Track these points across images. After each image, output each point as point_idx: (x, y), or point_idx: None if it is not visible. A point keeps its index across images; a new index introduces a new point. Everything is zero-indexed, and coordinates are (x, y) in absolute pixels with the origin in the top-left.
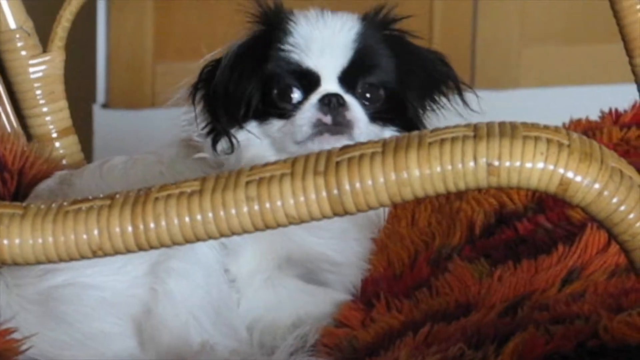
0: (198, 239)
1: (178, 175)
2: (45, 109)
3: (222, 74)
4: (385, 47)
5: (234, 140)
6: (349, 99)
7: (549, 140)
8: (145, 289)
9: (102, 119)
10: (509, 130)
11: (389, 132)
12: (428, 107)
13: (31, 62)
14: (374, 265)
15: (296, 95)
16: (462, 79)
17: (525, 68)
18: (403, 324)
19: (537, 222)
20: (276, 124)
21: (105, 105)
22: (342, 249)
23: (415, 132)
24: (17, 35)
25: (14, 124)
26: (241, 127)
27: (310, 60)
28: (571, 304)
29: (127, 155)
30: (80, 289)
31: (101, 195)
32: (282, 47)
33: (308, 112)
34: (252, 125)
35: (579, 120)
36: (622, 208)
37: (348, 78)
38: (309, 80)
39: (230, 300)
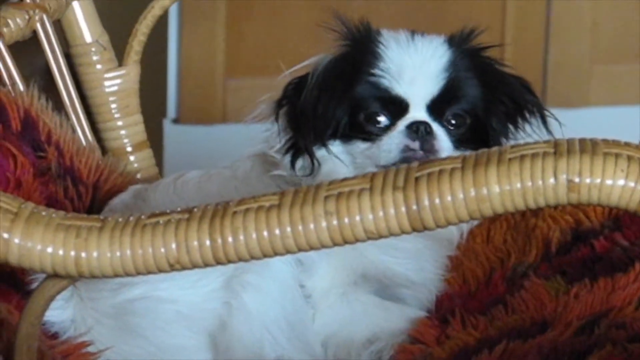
0: (276, 254)
1: (253, 190)
2: (120, 123)
3: (310, 94)
4: (473, 75)
5: (315, 161)
6: (436, 127)
7: (629, 157)
8: (220, 303)
9: (173, 134)
10: (589, 147)
11: None
12: (511, 134)
13: (106, 75)
14: (449, 282)
15: (383, 120)
16: (545, 107)
17: (596, 86)
18: (478, 341)
19: (614, 240)
20: (360, 146)
21: (176, 121)
22: (417, 268)
23: (495, 148)
24: (93, 49)
25: (89, 137)
26: (324, 146)
27: (401, 88)
28: None
29: (201, 170)
30: (156, 303)
31: (179, 209)
32: (373, 71)
33: (396, 139)
34: (335, 145)
35: None
36: None
37: (436, 107)
38: (397, 107)
39: (305, 315)
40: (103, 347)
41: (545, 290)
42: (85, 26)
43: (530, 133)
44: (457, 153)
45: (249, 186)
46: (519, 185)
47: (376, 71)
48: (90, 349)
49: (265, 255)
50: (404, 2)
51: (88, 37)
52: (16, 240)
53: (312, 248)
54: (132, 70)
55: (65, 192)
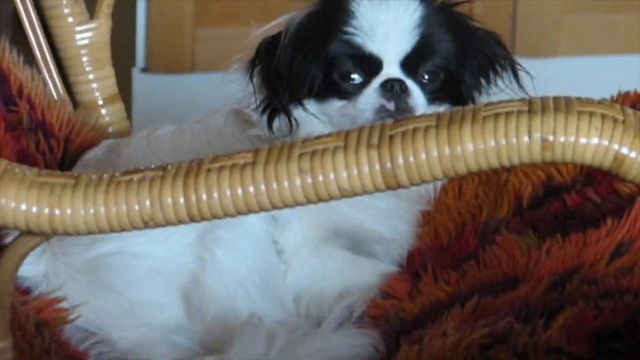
0: (250, 211)
1: (226, 145)
2: (91, 76)
3: (283, 53)
4: (445, 31)
5: (293, 120)
6: (410, 84)
7: (603, 116)
8: (193, 258)
9: (142, 82)
10: (563, 105)
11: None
12: (483, 88)
13: (78, 28)
14: (420, 236)
15: (357, 77)
16: (517, 61)
17: (566, 36)
18: (450, 296)
19: (586, 195)
20: (336, 104)
21: (145, 69)
22: (389, 225)
23: (470, 106)
24: (64, 2)
25: (61, 91)
26: (300, 105)
27: (374, 45)
28: (620, 278)
29: (173, 124)
30: (128, 258)
31: (153, 166)
32: (345, 29)
33: (371, 98)
34: (311, 104)
35: (627, 93)
36: None
37: (410, 63)
38: (371, 65)
39: (278, 271)
40: (76, 303)
41: (517, 245)
42: None
43: (502, 87)
44: (431, 109)
45: (222, 141)
46: (493, 143)
47: (349, 29)
48: (63, 304)
49: (239, 213)
50: None
51: None
52: None
53: (286, 206)
54: (103, 24)
55: (37, 145)
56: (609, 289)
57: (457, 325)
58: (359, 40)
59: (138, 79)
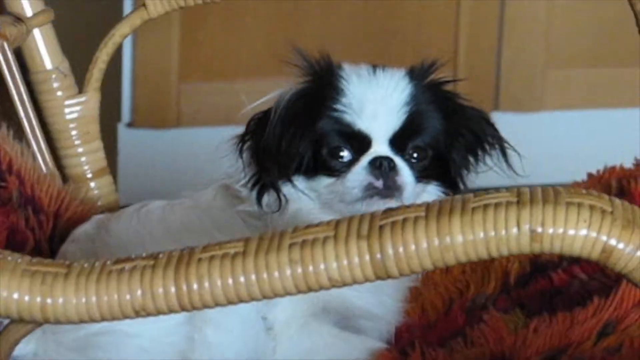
0: (241, 301)
1: (216, 222)
2: (80, 150)
3: (273, 130)
4: (434, 109)
5: (282, 197)
6: (398, 161)
7: (591, 207)
8: (182, 337)
9: (127, 137)
10: (552, 197)
11: (432, 188)
12: (472, 166)
13: (67, 102)
14: (408, 312)
15: (346, 155)
16: (505, 139)
17: (550, 90)
18: None
19: (572, 273)
20: (325, 181)
21: (130, 124)
22: (377, 302)
23: (459, 197)
24: (53, 76)
25: (50, 165)
26: (289, 182)
27: (363, 123)
28: (607, 358)
29: (164, 200)
30: (118, 337)
31: (144, 255)
32: (335, 106)
33: (359, 175)
34: (300, 180)
35: (613, 168)
36: None
37: (398, 141)
38: (360, 142)
39: (267, 349)
40: None
41: (505, 324)
42: (45, 53)
43: (490, 165)
44: (419, 186)
45: (212, 217)
46: (482, 235)
47: (338, 106)
48: None
49: (229, 303)
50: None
51: (49, 64)
52: None
53: (276, 295)
54: (92, 97)
55: (27, 221)
56: None
57: None
58: (348, 117)
59: (123, 133)
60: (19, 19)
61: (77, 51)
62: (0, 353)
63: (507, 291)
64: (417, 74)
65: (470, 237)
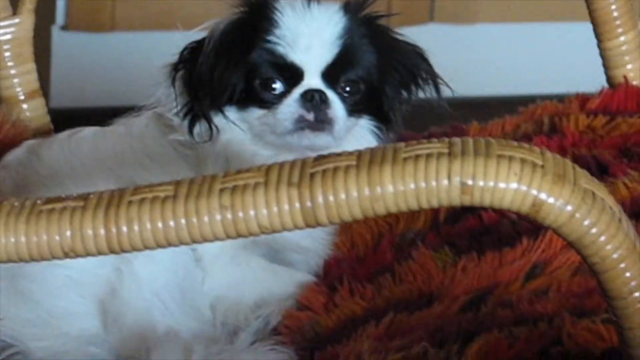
0: (170, 245)
1: (148, 150)
2: (13, 71)
3: (206, 59)
4: (368, 43)
5: (213, 127)
6: (330, 95)
7: (522, 161)
8: (111, 268)
9: (61, 41)
10: (483, 149)
11: (364, 122)
12: (404, 100)
13: (0, 24)
14: (337, 245)
15: (278, 86)
16: (439, 74)
17: (485, 3)
18: (365, 311)
19: (503, 213)
20: (256, 113)
21: (64, 27)
22: (307, 234)
23: (390, 146)
24: None
25: None
26: (221, 112)
27: (296, 55)
28: (535, 302)
29: (96, 127)
30: (47, 267)
31: (75, 195)
32: (268, 38)
33: (291, 107)
34: (232, 111)
35: (545, 104)
36: (594, 231)
37: (331, 74)
38: (292, 74)
39: (195, 280)
40: None
41: (433, 262)
42: None
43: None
44: (351, 120)
45: (144, 145)
46: (412, 185)
47: (272, 38)
48: None
49: (159, 246)
50: None
51: None
52: None
53: (205, 240)
54: (26, 19)
55: None
56: (523, 313)
57: (371, 346)
58: (281, 49)
59: (57, 36)
60: None
61: None
62: None
63: (436, 228)
64: (352, 8)
65: (401, 188)
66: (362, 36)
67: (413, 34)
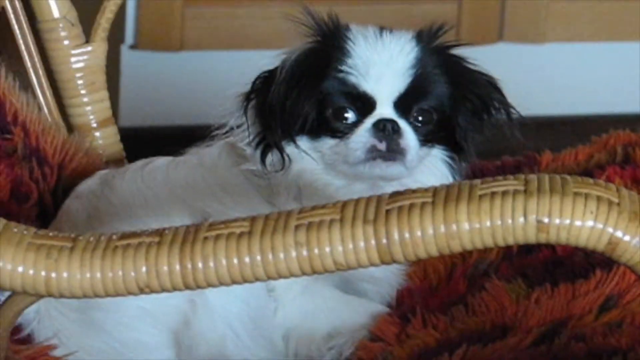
0: (245, 281)
1: (220, 180)
2: (85, 99)
3: (278, 89)
4: (441, 72)
5: (285, 156)
6: (402, 124)
7: (599, 198)
8: (184, 299)
9: (130, 59)
10: (559, 186)
11: (436, 152)
12: (477, 130)
13: (73, 52)
14: (410, 275)
15: (351, 116)
16: (512, 105)
17: (554, 22)
18: (438, 342)
19: None
20: (328, 142)
21: (133, 47)
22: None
23: (466, 183)
24: (61, 25)
25: (55, 115)
26: (293, 142)
27: (368, 85)
28: (608, 335)
29: (168, 157)
30: (120, 298)
31: (150, 230)
32: (340, 67)
33: (363, 137)
34: (304, 141)
35: (618, 133)
36: None
37: (403, 103)
38: (364, 104)
39: (268, 310)
40: (66, 340)
41: (506, 293)
42: (53, 2)
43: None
44: (423, 150)
45: (216, 175)
46: (488, 223)
47: (344, 67)
48: (55, 352)
49: (233, 282)
50: None
51: (56, 13)
52: None
53: (280, 276)
54: (99, 47)
55: (31, 173)
56: (597, 347)
57: None
58: (353, 79)
59: (126, 55)
60: None
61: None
62: (4, 322)
63: (509, 259)
64: (424, 37)
65: (477, 226)
66: (435, 66)
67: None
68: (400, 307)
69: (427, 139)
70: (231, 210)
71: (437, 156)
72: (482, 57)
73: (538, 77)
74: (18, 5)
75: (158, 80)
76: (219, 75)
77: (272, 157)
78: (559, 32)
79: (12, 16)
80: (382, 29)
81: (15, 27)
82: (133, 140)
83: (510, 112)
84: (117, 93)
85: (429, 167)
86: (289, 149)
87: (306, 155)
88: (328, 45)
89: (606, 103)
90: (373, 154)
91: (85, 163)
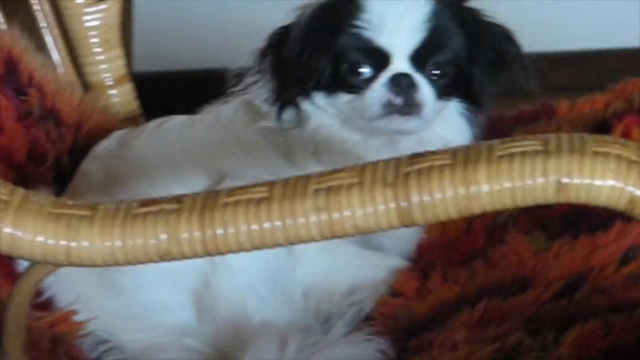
0: (265, 247)
1: (237, 138)
2: (100, 57)
3: (293, 45)
4: (455, 25)
5: (302, 113)
6: (418, 78)
7: (618, 157)
8: (204, 260)
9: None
10: (578, 146)
11: (453, 105)
12: (493, 84)
13: (87, 10)
14: (428, 229)
15: (366, 71)
16: (527, 56)
17: None
18: (459, 297)
19: None
20: (344, 98)
21: None
22: None
23: (485, 144)
24: None
25: (71, 75)
26: (309, 98)
27: (383, 39)
28: (629, 287)
29: (184, 116)
30: None
31: (169, 197)
32: (355, 22)
33: (379, 92)
34: (320, 97)
35: (634, 81)
36: None
37: (419, 57)
38: (380, 58)
39: (288, 268)
40: (87, 303)
41: (526, 246)
42: None
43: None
44: (440, 103)
45: (233, 133)
46: (508, 184)
47: (358, 22)
48: (76, 317)
49: (254, 248)
50: None
51: None
52: (7, 230)
53: (301, 241)
54: (113, 5)
55: (47, 135)
56: (618, 300)
57: (466, 336)
58: (367, 34)
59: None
60: None
61: None
62: (25, 290)
63: (528, 211)
64: None
65: (497, 187)
66: (450, 19)
67: None
68: (419, 261)
69: (443, 92)
70: (249, 168)
71: (454, 109)
72: None
73: (553, 11)
74: None
75: (171, 24)
76: (233, 19)
77: (289, 114)
78: None
79: None
80: None
81: None
82: (148, 84)
83: (525, 63)
84: (131, 37)
85: (446, 119)
86: (305, 105)
87: (323, 111)
88: (342, 1)
89: (619, 38)
90: (389, 109)
91: (102, 122)
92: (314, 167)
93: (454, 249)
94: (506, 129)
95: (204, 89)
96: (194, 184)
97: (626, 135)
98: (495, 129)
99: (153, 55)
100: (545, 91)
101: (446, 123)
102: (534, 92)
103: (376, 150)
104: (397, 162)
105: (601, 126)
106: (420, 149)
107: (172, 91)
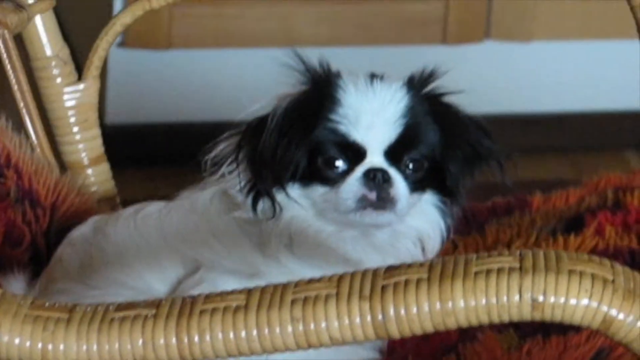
0: (241, 354)
1: (213, 227)
2: (78, 137)
3: (269, 138)
4: (432, 121)
5: (276, 204)
6: (393, 173)
7: (593, 276)
8: None
9: (118, 57)
10: (554, 264)
11: (428, 197)
12: (468, 178)
13: (66, 89)
14: None
15: (341, 165)
16: (504, 153)
17: (540, 21)
18: None
19: None
20: (319, 190)
21: (121, 45)
22: None
23: (461, 259)
24: (53, 63)
25: (48, 155)
26: (284, 190)
27: (358, 134)
28: None
29: (160, 203)
30: None
31: (146, 301)
32: (331, 116)
33: (353, 186)
34: (295, 188)
35: (609, 176)
36: None
37: (394, 152)
38: (355, 153)
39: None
40: None
41: (498, 344)
42: (46, 40)
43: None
44: (414, 197)
45: (208, 222)
46: (484, 301)
47: (334, 117)
48: None
49: (229, 356)
50: None
51: (49, 51)
52: None
53: (277, 351)
54: (91, 85)
55: (24, 216)
56: None
57: None
58: (343, 128)
59: (114, 53)
60: (20, 5)
61: (77, 37)
62: None
63: None
64: (416, 84)
65: (472, 303)
66: (425, 113)
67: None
68: (392, 354)
69: (417, 186)
70: (223, 258)
71: (428, 201)
72: (468, 55)
73: (525, 75)
74: (10, 44)
75: (146, 78)
76: (207, 74)
77: (264, 205)
78: (546, 31)
79: (4, 55)
80: (373, 76)
81: (8, 66)
82: (120, 138)
83: (501, 161)
84: (105, 92)
85: (421, 211)
86: (280, 196)
87: (297, 203)
88: (318, 94)
89: (592, 101)
90: (363, 203)
91: (78, 203)
92: (288, 258)
93: (426, 344)
94: (480, 221)
95: (175, 143)
96: (169, 273)
97: (599, 232)
98: (470, 221)
99: (125, 108)
100: (519, 185)
101: (420, 215)
102: (507, 186)
103: (351, 241)
104: (374, 274)
105: (575, 221)
106: (394, 241)
107: (144, 144)
